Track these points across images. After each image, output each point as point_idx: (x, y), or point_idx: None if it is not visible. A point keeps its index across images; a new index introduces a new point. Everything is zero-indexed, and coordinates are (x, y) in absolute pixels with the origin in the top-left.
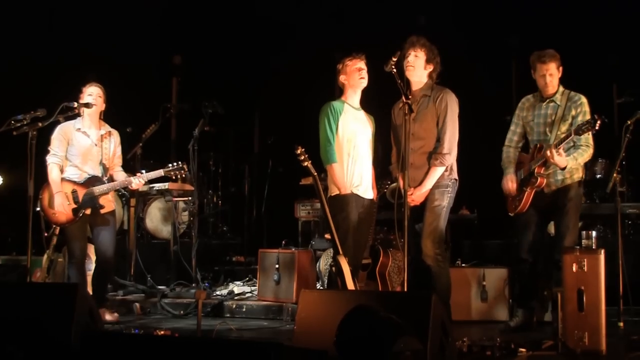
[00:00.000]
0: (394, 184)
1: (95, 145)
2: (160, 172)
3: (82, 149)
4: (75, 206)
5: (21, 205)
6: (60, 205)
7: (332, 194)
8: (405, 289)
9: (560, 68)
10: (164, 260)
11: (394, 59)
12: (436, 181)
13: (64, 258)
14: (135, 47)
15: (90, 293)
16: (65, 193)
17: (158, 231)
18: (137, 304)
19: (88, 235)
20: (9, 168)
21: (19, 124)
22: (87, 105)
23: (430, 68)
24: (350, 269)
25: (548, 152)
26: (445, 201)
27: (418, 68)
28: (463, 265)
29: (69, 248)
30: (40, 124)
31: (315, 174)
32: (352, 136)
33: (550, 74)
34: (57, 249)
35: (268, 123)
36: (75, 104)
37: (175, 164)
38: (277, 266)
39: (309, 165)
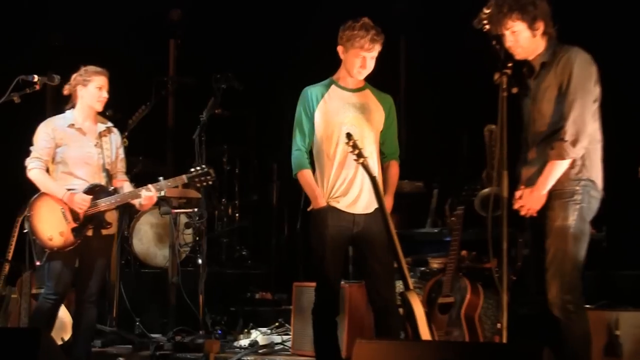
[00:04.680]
0: (486, 190)
1: (95, 145)
2: (182, 179)
3: (77, 150)
4: (75, 225)
5: None
6: (83, 199)
7: (309, 209)
8: (504, 340)
9: None
10: (159, 298)
11: (486, 11)
12: (558, 186)
13: (18, 294)
14: None
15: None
16: (62, 209)
17: (150, 256)
18: (122, 359)
19: None
20: None
21: None
22: (52, 79)
23: (540, 28)
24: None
25: None
26: (572, 217)
27: (525, 44)
28: (586, 306)
29: (49, 280)
30: None
31: (375, 175)
32: (334, 131)
33: None
34: (9, 282)
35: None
36: (36, 77)
37: (199, 167)
38: None
39: (366, 163)
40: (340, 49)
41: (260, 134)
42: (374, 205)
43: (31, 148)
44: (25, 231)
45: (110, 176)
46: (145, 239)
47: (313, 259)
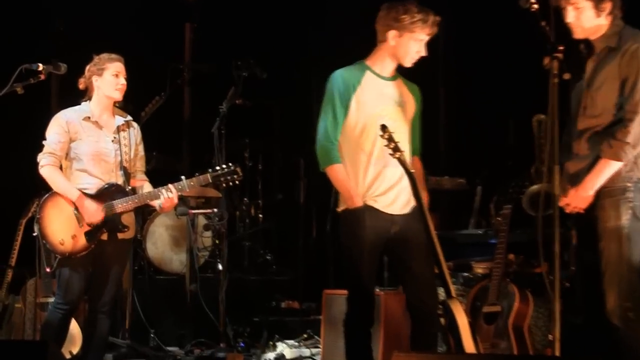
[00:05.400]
0: (535, 187)
1: (112, 141)
2: (206, 179)
3: (93, 146)
4: (88, 228)
5: None
6: (95, 211)
7: (340, 209)
8: (557, 352)
9: None
10: (176, 307)
11: None
12: (607, 183)
13: (22, 303)
14: None
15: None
16: (74, 210)
17: (165, 262)
18: None
19: None
20: None
21: None
22: (58, 68)
23: (607, 8)
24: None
25: None
26: (625, 217)
27: (587, 24)
28: None
29: (65, 288)
30: None
31: (412, 170)
32: (371, 123)
33: None
34: (13, 290)
35: None
36: (41, 66)
37: (225, 165)
38: None
39: (403, 158)
40: (392, 33)
41: (285, 126)
42: (411, 205)
43: (44, 142)
44: (34, 234)
45: (127, 175)
46: (160, 243)
47: (346, 264)
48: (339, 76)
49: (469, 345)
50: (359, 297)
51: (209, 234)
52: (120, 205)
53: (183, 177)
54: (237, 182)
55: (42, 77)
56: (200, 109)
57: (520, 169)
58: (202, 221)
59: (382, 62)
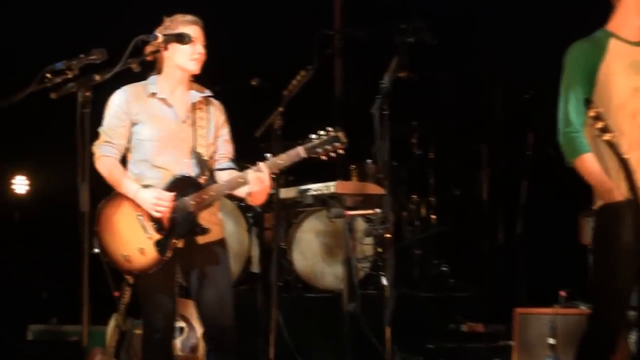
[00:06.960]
0: None
1: (183, 122)
2: (297, 153)
3: (159, 129)
4: (159, 236)
5: (65, 229)
6: (158, 200)
7: (596, 206)
8: None
9: None
10: (331, 332)
11: None
12: None
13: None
14: None
15: None
16: (137, 215)
17: (317, 276)
18: None
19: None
20: (41, 163)
21: (59, 79)
22: (182, 38)
23: None
24: None
25: None
26: None
27: None
28: None
29: (146, 314)
30: (97, 78)
31: (626, 157)
32: (627, 98)
33: None
34: (132, 313)
35: (524, 63)
36: (160, 37)
37: (323, 132)
38: (551, 341)
39: (613, 141)
40: None
41: (461, 104)
42: None
43: (99, 129)
44: (95, 251)
45: (202, 163)
46: (310, 253)
47: (597, 271)
48: (579, 49)
49: None
50: (605, 313)
51: (370, 240)
52: (194, 201)
53: (269, 154)
54: (340, 151)
55: (163, 50)
56: (355, 84)
57: None
58: (361, 225)
59: (627, 24)
